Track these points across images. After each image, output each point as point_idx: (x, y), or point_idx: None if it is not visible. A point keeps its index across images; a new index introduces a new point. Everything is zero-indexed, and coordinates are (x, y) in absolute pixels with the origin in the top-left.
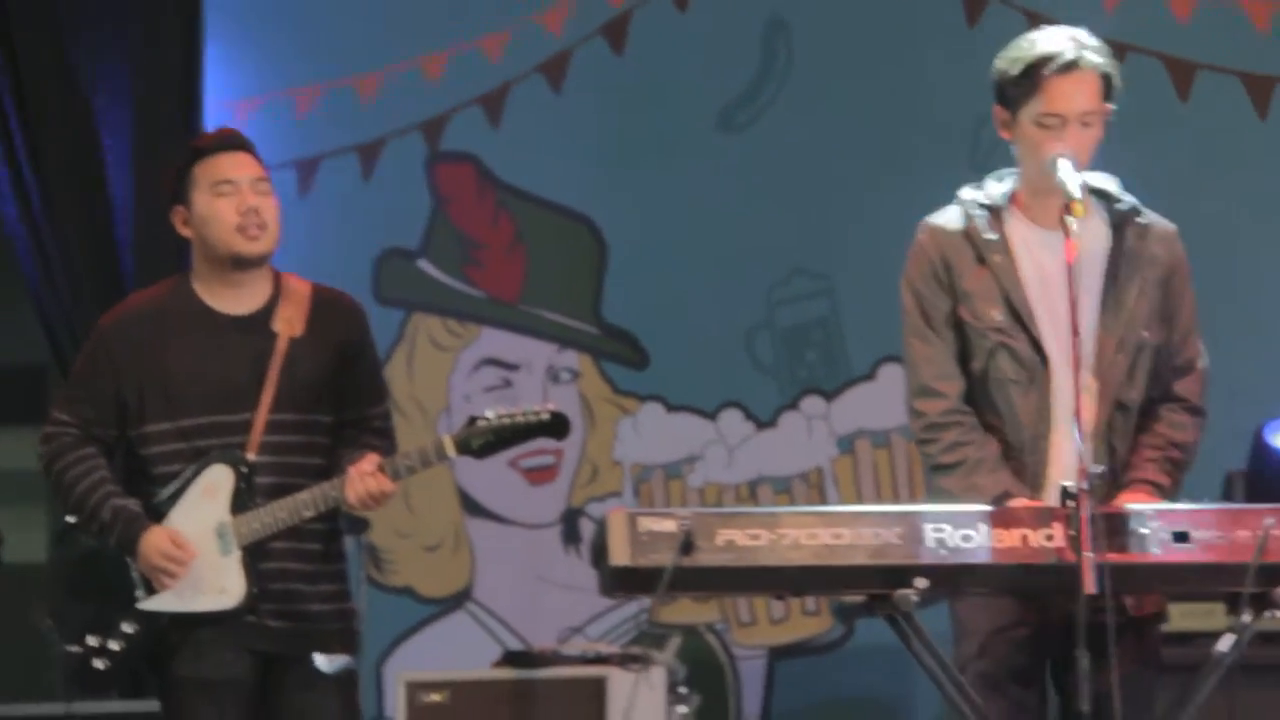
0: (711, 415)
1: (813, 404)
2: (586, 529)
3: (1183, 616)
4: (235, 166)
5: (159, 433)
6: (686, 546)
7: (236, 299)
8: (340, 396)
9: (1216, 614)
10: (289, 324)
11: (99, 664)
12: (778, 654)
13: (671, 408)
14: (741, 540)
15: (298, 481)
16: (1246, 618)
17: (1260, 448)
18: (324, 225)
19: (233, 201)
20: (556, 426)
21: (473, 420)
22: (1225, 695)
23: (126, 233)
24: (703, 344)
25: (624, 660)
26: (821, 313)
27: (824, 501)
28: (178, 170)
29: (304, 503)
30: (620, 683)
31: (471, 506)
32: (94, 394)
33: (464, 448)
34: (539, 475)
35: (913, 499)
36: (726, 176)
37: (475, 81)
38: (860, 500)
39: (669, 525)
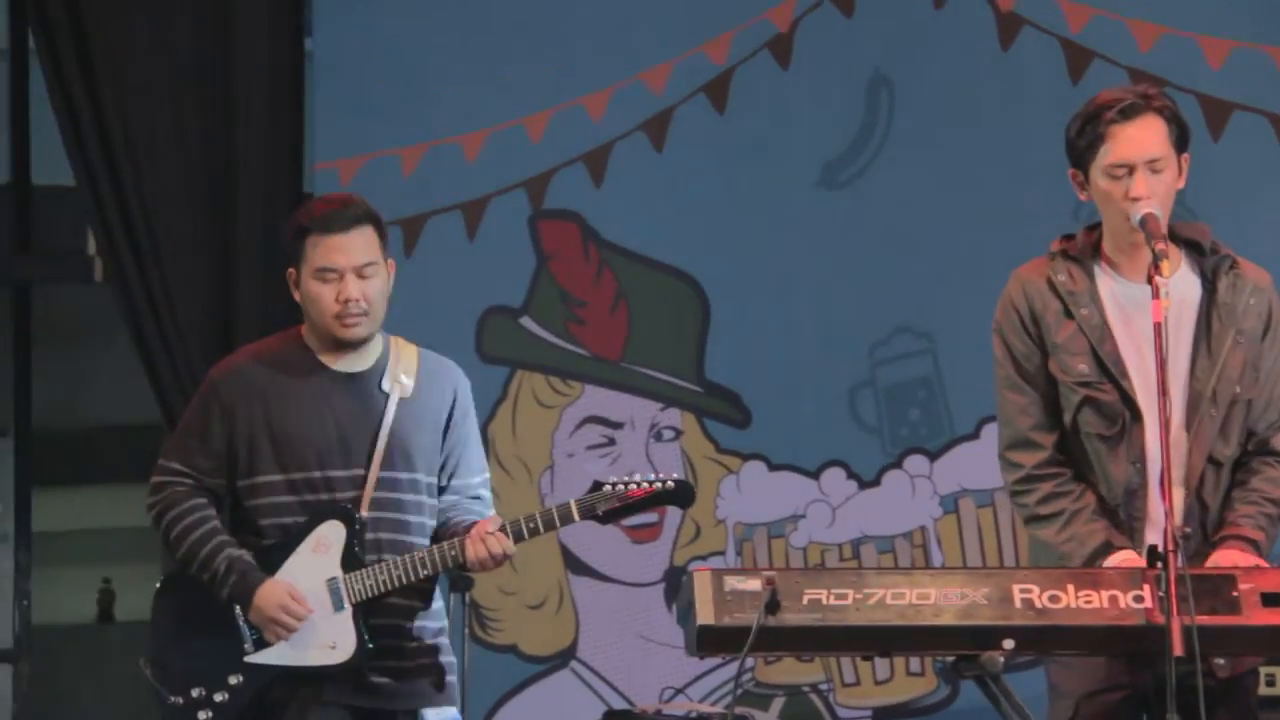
0: (814, 474)
1: (916, 463)
2: None
3: None
4: (339, 251)
5: (269, 484)
6: (772, 605)
7: (348, 358)
8: (446, 462)
9: None
10: (400, 385)
11: (203, 716)
12: (882, 715)
13: (774, 466)
14: (827, 600)
15: (405, 539)
16: None
17: None
18: (428, 283)
19: (333, 289)
20: (682, 495)
21: (598, 485)
22: None
23: (235, 292)
24: (805, 402)
25: None
26: (924, 371)
27: (928, 561)
28: (292, 234)
29: (421, 561)
30: None
31: (575, 564)
32: (206, 443)
33: (588, 513)
34: (642, 533)
35: (1016, 559)
36: (829, 234)
37: (578, 140)
38: (964, 560)
39: (754, 584)
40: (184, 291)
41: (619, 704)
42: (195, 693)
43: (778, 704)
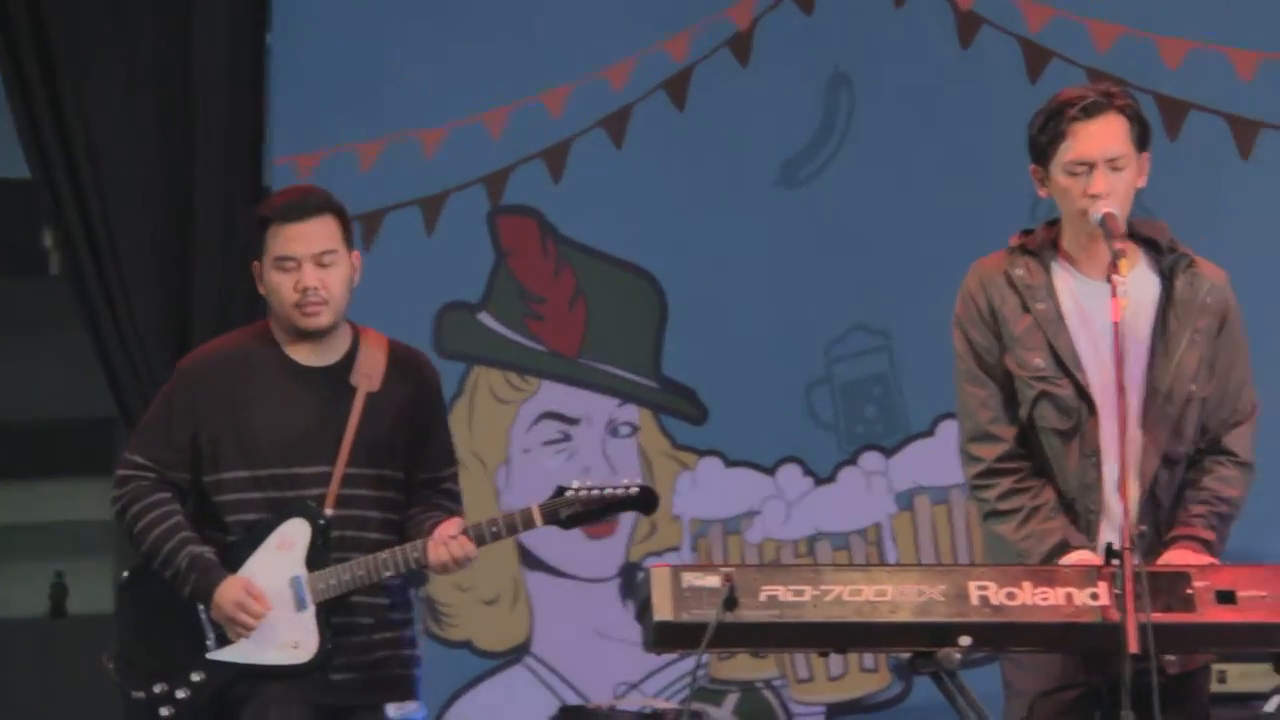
0: (770, 470)
1: (871, 460)
2: None
3: (1240, 678)
4: (296, 240)
5: (234, 480)
6: (730, 602)
7: (315, 352)
8: (414, 455)
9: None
10: (367, 379)
11: (165, 712)
12: (835, 711)
13: (730, 463)
14: (785, 596)
15: (370, 536)
16: None
17: None
18: (386, 278)
19: (292, 278)
20: (645, 502)
21: (560, 490)
22: None
23: (192, 288)
24: (762, 399)
25: (679, 716)
26: (880, 368)
27: (882, 558)
28: (255, 226)
29: (384, 562)
30: None
31: (530, 560)
32: (171, 438)
33: (551, 518)
34: (597, 529)
35: (971, 556)
36: (787, 231)
37: (537, 136)
38: (919, 557)
39: (713, 580)
40: (142, 288)
41: (573, 699)
42: (158, 688)
43: (731, 699)
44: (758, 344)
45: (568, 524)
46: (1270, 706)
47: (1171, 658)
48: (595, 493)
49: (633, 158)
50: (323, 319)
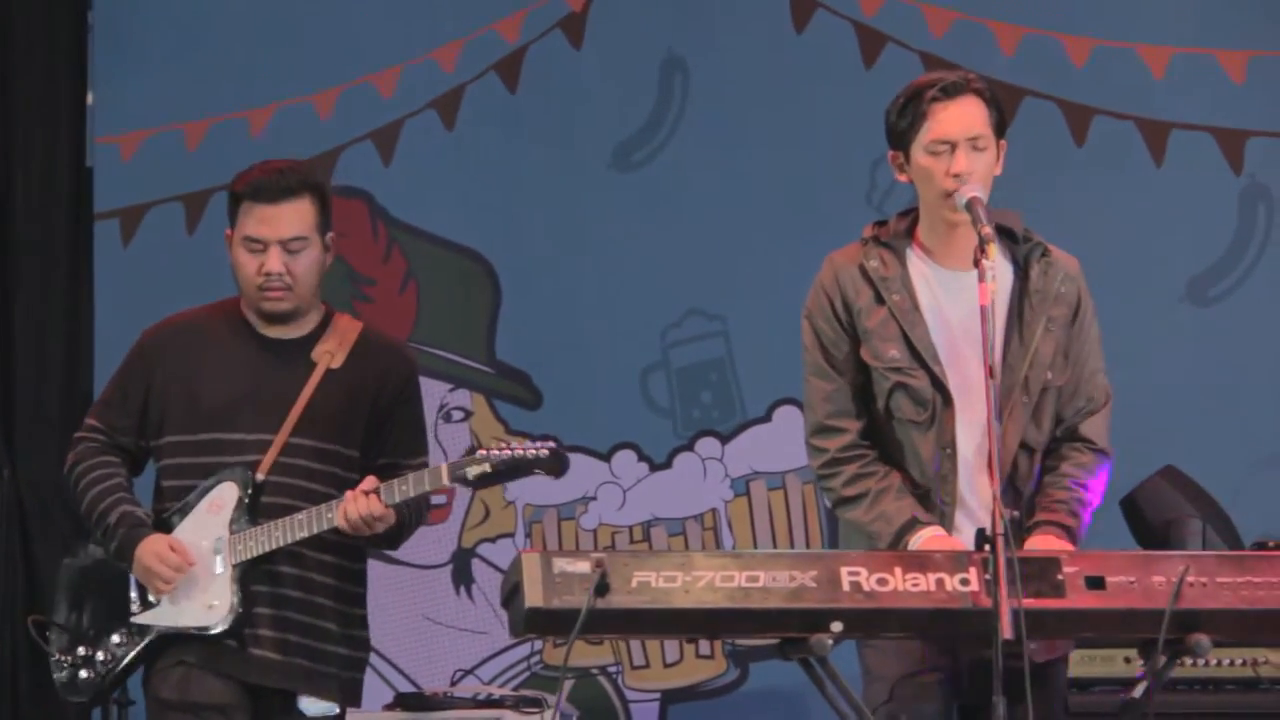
0: (605, 456)
1: (707, 445)
2: (478, 570)
3: (1081, 663)
4: (266, 223)
5: (175, 444)
6: (601, 588)
7: (280, 326)
8: (373, 439)
9: (1115, 660)
10: (329, 356)
11: (84, 674)
12: (671, 697)
13: (564, 448)
14: (656, 582)
15: (302, 506)
16: (1160, 664)
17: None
18: (213, 261)
19: (257, 261)
20: (554, 463)
21: (471, 450)
22: None
23: (17, 271)
24: (597, 384)
25: (517, 703)
26: (717, 354)
27: (719, 544)
28: (230, 197)
29: (299, 523)
30: None
31: None
32: (125, 403)
33: (457, 476)
34: (430, 515)
35: (807, 541)
36: (621, 215)
37: (367, 117)
38: (755, 543)
39: (583, 566)
40: None
41: (407, 687)
42: (81, 651)
43: (566, 686)
44: (592, 328)
45: (476, 483)
46: (1137, 692)
47: (1035, 645)
48: (505, 453)
49: (464, 140)
50: (284, 304)
